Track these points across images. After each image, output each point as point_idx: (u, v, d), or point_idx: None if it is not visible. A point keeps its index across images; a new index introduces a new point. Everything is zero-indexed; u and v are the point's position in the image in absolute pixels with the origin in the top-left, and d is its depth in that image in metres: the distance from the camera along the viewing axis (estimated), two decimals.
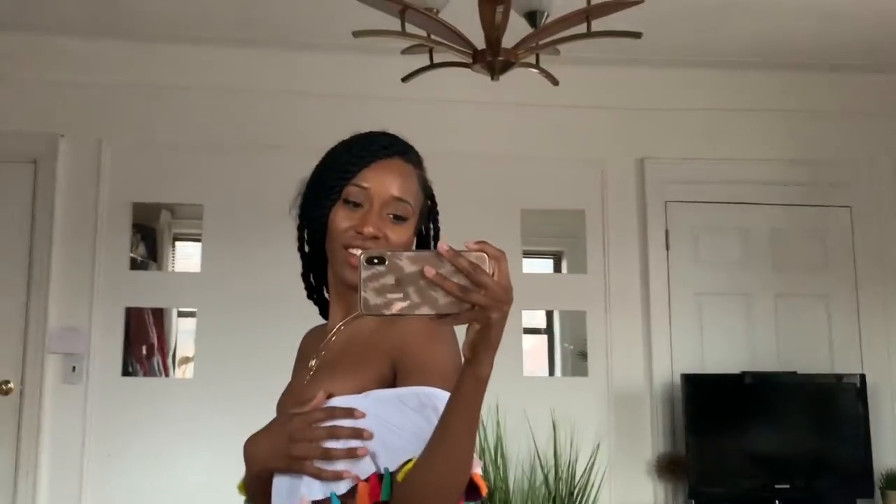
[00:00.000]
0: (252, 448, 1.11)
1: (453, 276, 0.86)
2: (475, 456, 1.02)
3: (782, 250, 3.65)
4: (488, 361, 0.91)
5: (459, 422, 0.96)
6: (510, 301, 0.88)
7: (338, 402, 1.06)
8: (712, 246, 3.64)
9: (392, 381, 1.07)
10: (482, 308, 0.87)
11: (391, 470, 1.02)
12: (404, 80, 2.21)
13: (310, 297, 1.29)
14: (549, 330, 3.86)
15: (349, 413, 1.04)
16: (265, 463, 1.08)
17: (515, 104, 3.50)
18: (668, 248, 3.60)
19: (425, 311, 0.87)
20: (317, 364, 1.16)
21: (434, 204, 1.27)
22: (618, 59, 3.45)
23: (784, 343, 3.56)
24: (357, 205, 1.15)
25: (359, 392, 1.06)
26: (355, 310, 1.09)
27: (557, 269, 3.90)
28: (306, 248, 1.24)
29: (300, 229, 1.23)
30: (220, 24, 3.25)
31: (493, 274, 0.87)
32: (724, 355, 3.50)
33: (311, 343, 1.24)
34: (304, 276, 1.27)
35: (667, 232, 3.61)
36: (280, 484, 1.08)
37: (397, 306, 0.87)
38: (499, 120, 3.58)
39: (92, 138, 3.35)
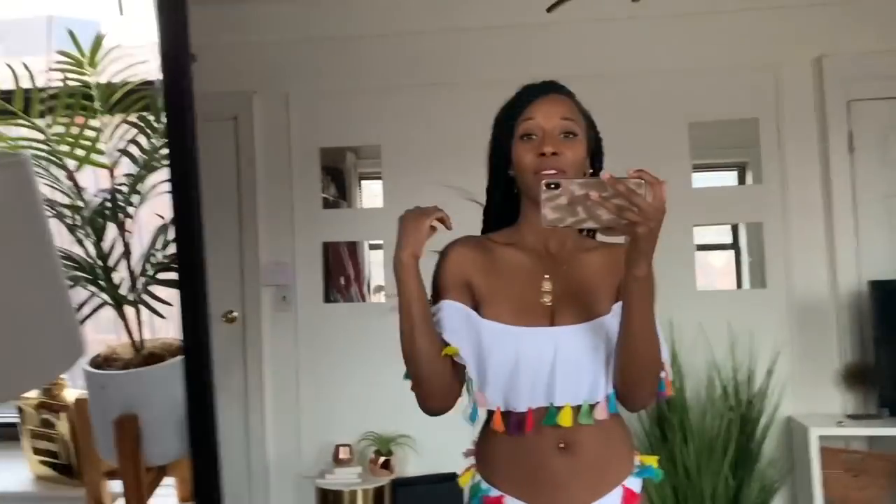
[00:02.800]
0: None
1: (613, 198, 1.08)
2: (666, 360, 1.27)
3: None
4: (644, 264, 1.14)
5: (633, 315, 1.19)
6: (659, 219, 1.09)
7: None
8: None
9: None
10: (634, 223, 1.09)
11: None
12: (549, 10, 2.28)
13: (487, 223, 1.46)
14: (735, 244, 3.80)
15: None
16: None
17: (675, 15, 3.41)
18: (851, 150, 3.40)
19: (591, 224, 1.12)
20: (550, 284, 1.32)
21: (594, 125, 1.42)
22: None
23: None
24: (531, 137, 1.33)
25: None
26: (553, 232, 1.34)
27: (742, 180, 3.79)
28: (489, 186, 1.44)
29: (489, 173, 1.43)
30: None
31: (647, 196, 1.08)
32: None
33: (483, 253, 1.38)
34: (488, 206, 1.46)
35: (850, 133, 3.40)
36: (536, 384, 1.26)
37: (568, 220, 1.11)
38: (660, 34, 3.51)
39: (280, 92, 3.71)
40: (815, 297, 3.40)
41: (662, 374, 1.28)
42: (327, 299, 3.73)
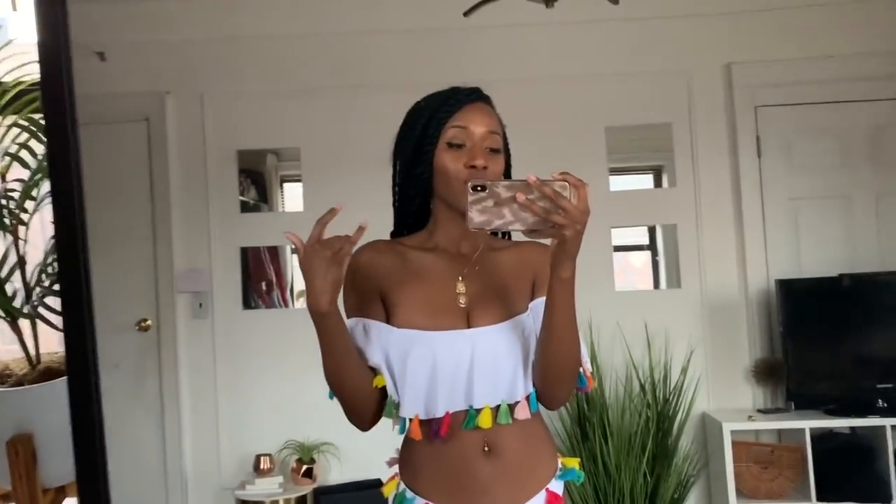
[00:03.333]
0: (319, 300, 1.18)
1: (539, 200, 1.09)
2: (585, 357, 1.29)
3: (883, 148, 3.53)
4: (568, 266, 1.16)
5: (556, 316, 1.20)
6: (584, 222, 1.11)
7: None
8: (807, 149, 3.56)
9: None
10: (560, 226, 1.10)
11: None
12: (466, 14, 2.29)
13: (399, 227, 1.43)
14: (652, 245, 3.89)
15: None
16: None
17: (591, 21, 3.48)
18: (759, 154, 3.55)
19: (517, 227, 1.12)
20: (464, 286, 1.31)
21: (506, 138, 1.41)
22: None
23: (886, 244, 3.48)
24: (459, 146, 1.30)
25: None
26: (467, 236, 1.34)
27: (658, 183, 3.88)
28: (405, 192, 1.38)
29: (400, 174, 1.38)
30: None
31: (571, 199, 1.09)
32: (822, 260, 3.46)
33: (393, 258, 1.36)
34: (400, 208, 1.41)
35: (758, 138, 3.55)
36: (454, 388, 1.25)
37: (495, 223, 1.12)
38: (576, 40, 3.58)
39: (195, 93, 3.61)
40: (726, 296, 3.53)
41: (582, 370, 1.29)
42: (247, 305, 3.65)
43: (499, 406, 1.25)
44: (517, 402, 1.26)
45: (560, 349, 1.23)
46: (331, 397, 1.30)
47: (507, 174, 1.40)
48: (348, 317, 1.32)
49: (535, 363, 1.27)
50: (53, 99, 0.87)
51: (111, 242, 3.45)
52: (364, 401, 1.27)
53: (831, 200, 3.54)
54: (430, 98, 1.37)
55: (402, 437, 1.33)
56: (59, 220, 0.90)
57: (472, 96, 1.35)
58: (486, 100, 1.38)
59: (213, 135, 3.61)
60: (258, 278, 3.74)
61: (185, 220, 3.60)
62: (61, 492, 1.94)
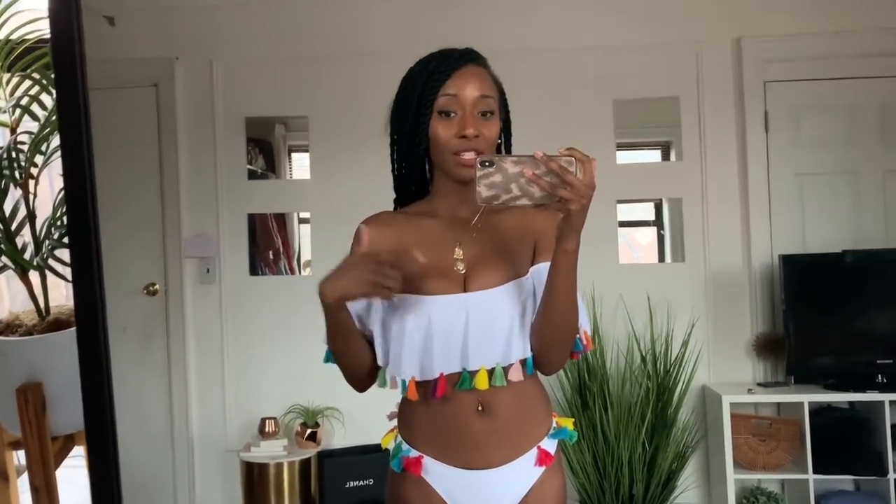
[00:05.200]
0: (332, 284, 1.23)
1: (546, 175, 1.12)
2: (585, 321, 1.32)
3: (892, 125, 3.51)
4: (573, 239, 1.18)
5: (559, 286, 1.23)
6: (590, 197, 1.13)
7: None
8: (815, 125, 3.54)
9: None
10: (566, 200, 1.12)
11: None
12: None
13: (400, 196, 1.46)
14: (658, 220, 3.90)
15: None
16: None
17: None
18: (767, 129, 3.54)
19: (524, 202, 1.14)
20: (462, 251, 1.34)
21: (505, 98, 1.43)
22: None
23: (891, 221, 3.48)
24: (449, 114, 1.32)
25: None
26: (465, 202, 1.35)
27: (666, 158, 3.87)
28: (403, 163, 1.40)
29: (397, 144, 1.40)
30: None
31: (578, 174, 1.11)
32: (827, 236, 3.46)
33: (394, 228, 1.38)
34: (401, 182, 1.43)
35: (766, 113, 3.53)
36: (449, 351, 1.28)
37: (503, 197, 1.14)
38: (586, 11, 3.57)
39: (204, 59, 3.61)
40: (729, 270, 3.54)
41: (580, 335, 1.32)
42: (253, 272, 3.68)
43: (493, 369, 1.28)
44: (511, 365, 1.29)
45: (559, 317, 1.26)
46: (326, 361, 1.39)
47: (506, 135, 1.41)
48: None
49: (533, 328, 1.30)
50: (63, 52, 0.89)
51: (120, 207, 3.48)
52: (361, 369, 1.36)
53: (838, 176, 3.54)
54: (422, 64, 1.37)
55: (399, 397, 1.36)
56: (68, 173, 0.92)
57: (462, 60, 1.35)
58: (478, 61, 1.37)
59: (222, 101, 3.63)
60: (265, 246, 3.77)
61: (194, 185, 3.63)
62: (70, 439, 1.99)
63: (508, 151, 1.40)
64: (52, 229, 1.94)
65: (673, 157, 3.73)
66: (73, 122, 0.91)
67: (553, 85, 3.50)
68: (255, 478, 3.31)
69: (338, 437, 3.55)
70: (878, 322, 3.32)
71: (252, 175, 3.70)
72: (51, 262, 1.94)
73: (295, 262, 3.84)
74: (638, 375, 3.26)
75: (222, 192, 3.63)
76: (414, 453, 1.34)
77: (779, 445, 3.24)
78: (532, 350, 1.31)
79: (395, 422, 1.42)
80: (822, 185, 3.53)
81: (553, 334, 1.28)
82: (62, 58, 0.90)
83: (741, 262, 3.54)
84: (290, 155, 3.85)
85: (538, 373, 1.35)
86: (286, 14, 3.61)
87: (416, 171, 1.40)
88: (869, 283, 3.33)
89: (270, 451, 3.35)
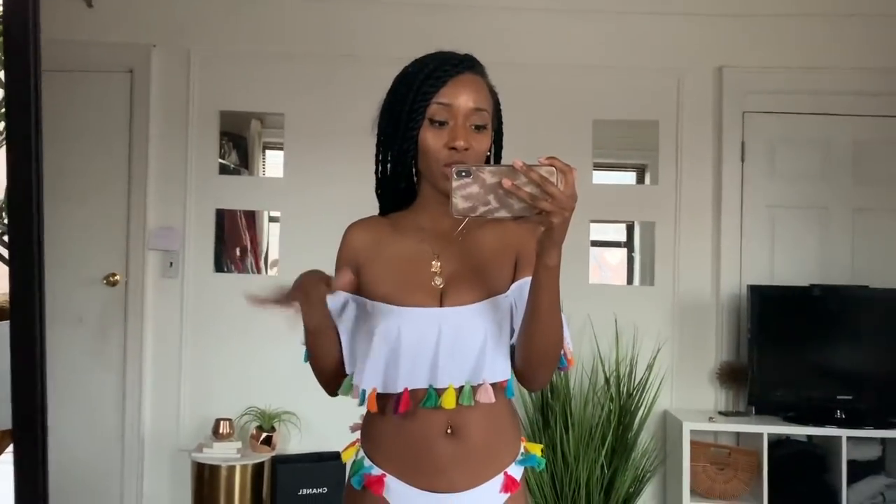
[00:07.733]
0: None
1: (526, 186, 1.04)
2: (567, 338, 1.27)
3: (864, 163, 3.56)
4: (554, 254, 1.12)
5: (541, 302, 1.17)
6: (572, 208, 1.07)
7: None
8: (790, 158, 3.58)
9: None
10: (548, 213, 1.05)
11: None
12: None
13: (385, 204, 1.41)
14: (629, 242, 3.89)
15: None
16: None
17: (588, 11, 3.47)
18: (743, 159, 3.56)
19: (503, 214, 1.07)
20: (440, 265, 1.30)
21: (499, 110, 1.38)
22: None
23: (859, 258, 3.51)
24: (441, 123, 1.27)
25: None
26: (448, 214, 1.23)
27: (640, 181, 3.88)
28: (388, 166, 1.35)
29: (384, 146, 1.34)
30: None
31: (559, 185, 1.05)
32: (796, 269, 3.49)
33: (375, 235, 1.35)
34: (385, 187, 1.38)
35: (743, 144, 3.56)
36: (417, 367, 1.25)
37: (480, 209, 1.07)
38: (571, 29, 3.56)
39: (181, 48, 3.54)
40: (698, 297, 3.55)
41: (563, 351, 1.28)
42: (219, 269, 3.60)
43: (462, 387, 1.24)
44: (481, 384, 1.25)
45: (544, 333, 1.20)
46: (305, 361, 1.36)
47: (496, 149, 1.37)
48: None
49: (517, 345, 1.25)
50: (15, 35, 0.83)
51: (84, 193, 3.39)
52: (334, 374, 1.33)
53: (809, 210, 3.57)
54: (418, 66, 1.31)
55: (365, 409, 1.32)
56: (11, 148, 0.86)
57: (459, 67, 1.29)
58: (476, 69, 1.32)
59: (198, 92, 3.55)
60: (233, 243, 3.69)
61: (162, 176, 3.54)
62: (6, 435, 1.90)
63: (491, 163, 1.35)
64: (3, 214, 1.86)
65: (648, 180, 3.74)
66: (20, 111, 0.85)
67: (534, 100, 3.49)
68: (205, 479, 3.22)
69: (293, 442, 3.48)
70: (840, 357, 3.35)
71: (224, 170, 3.63)
72: None
73: (262, 261, 3.77)
74: (601, 397, 3.25)
75: (192, 184, 3.55)
76: (377, 471, 1.28)
77: (736, 475, 3.24)
78: (516, 367, 1.27)
79: (357, 434, 1.37)
80: (794, 219, 3.56)
81: (538, 350, 1.22)
82: (14, 38, 0.83)
83: (710, 289, 3.56)
84: (264, 152, 3.78)
85: (519, 389, 1.32)
86: (269, 9, 3.55)
87: (402, 178, 1.35)
88: (834, 318, 3.35)
89: (223, 453, 3.27)
